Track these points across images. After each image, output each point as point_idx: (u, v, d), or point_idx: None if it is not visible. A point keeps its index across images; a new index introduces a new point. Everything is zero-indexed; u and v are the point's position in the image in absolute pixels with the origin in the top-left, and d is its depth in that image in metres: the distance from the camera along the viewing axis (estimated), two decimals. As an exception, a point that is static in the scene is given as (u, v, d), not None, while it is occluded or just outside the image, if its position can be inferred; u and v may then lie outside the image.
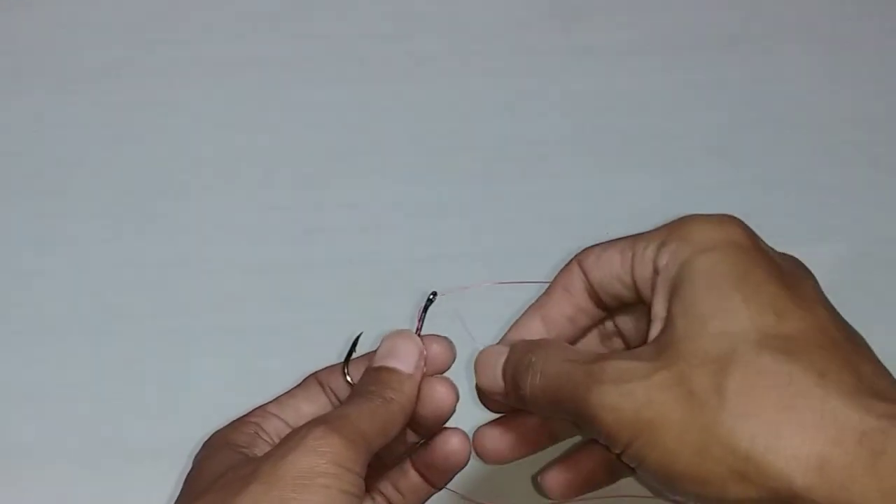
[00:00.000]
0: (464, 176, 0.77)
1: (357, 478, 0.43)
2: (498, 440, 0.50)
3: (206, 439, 0.49)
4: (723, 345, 0.42)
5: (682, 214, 0.46)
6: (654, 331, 0.45)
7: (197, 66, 0.80)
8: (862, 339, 0.45)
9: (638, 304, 0.47)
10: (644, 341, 0.46)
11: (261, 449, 0.48)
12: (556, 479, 0.50)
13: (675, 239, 0.45)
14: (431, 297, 0.52)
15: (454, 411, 0.50)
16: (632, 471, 0.45)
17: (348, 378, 0.50)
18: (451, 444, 0.50)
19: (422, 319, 0.50)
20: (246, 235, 0.75)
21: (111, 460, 0.67)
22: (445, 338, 0.50)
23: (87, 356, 0.70)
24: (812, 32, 0.84)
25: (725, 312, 0.42)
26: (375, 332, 0.69)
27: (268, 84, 0.80)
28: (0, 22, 0.82)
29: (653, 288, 0.45)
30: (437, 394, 0.49)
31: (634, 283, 0.46)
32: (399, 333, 0.50)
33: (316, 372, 0.52)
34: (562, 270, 0.49)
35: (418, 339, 0.49)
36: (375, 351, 0.50)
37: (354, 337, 0.52)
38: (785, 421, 0.40)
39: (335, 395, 0.51)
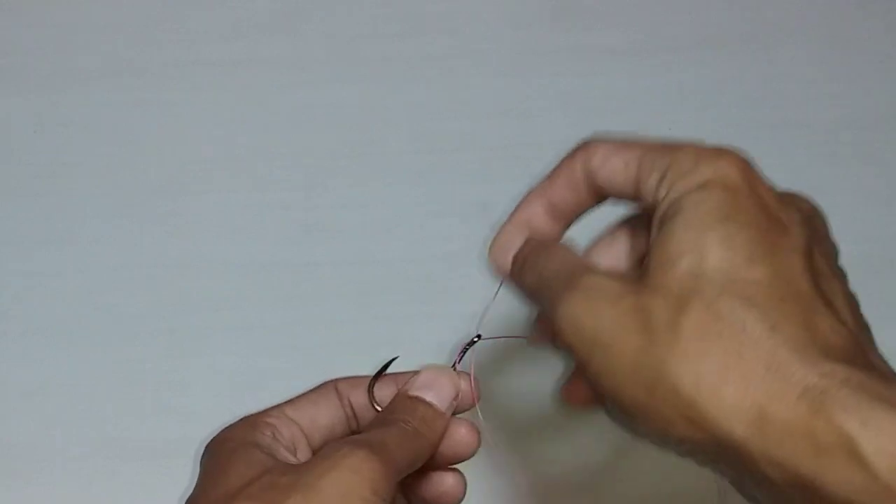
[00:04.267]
0: (464, 176, 0.77)
1: None
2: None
3: (222, 431, 0.48)
4: (688, 283, 0.42)
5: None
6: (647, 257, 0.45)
7: (197, 66, 0.80)
8: (838, 293, 0.44)
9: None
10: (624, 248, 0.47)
11: (282, 455, 0.47)
12: (572, 390, 0.50)
13: (676, 172, 0.45)
14: (476, 339, 0.52)
15: (473, 455, 0.50)
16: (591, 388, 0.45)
17: (376, 405, 0.50)
18: (446, 483, 0.50)
19: (461, 358, 0.50)
20: (246, 235, 0.75)
21: (111, 460, 0.67)
22: (469, 375, 0.50)
23: (86, 356, 0.70)
24: (812, 32, 0.84)
25: (697, 252, 0.42)
26: (374, 333, 0.69)
27: (268, 84, 0.80)
28: (0, 22, 0.82)
29: (651, 216, 0.46)
30: (461, 435, 0.49)
31: (637, 199, 0.47)
32: (439, 369, 0.50)
33: (336, 380, 0.52)
34: (566, 159, 0.49)
35: (458, 379, 0.50)
36: (401, 374, 0.51)
37: (388, 360, 0.51)
38: (731, 369, 0.40)
39: (352, 408, 0.51)
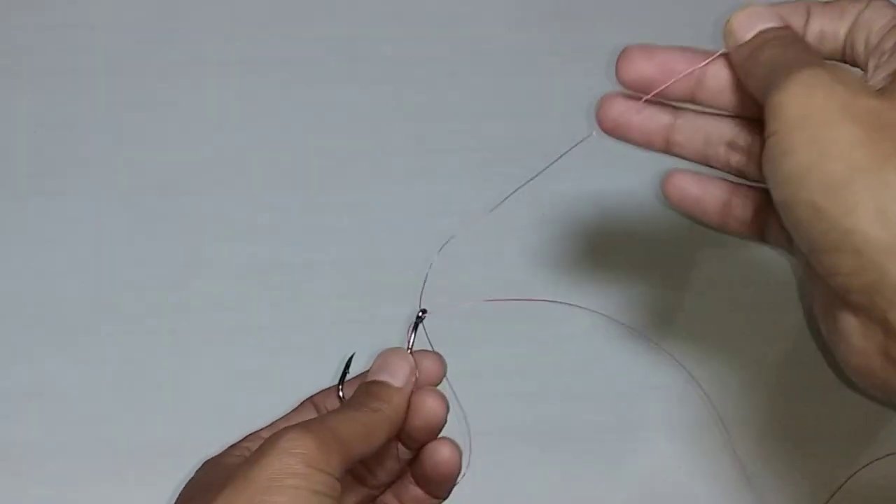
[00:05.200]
0: (464, 176, 0.77)
1: (330, 479, 0.43)
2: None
3: (198, 452, 0.49)
4: None
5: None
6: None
7: (197, 66, 0.80)
8: None
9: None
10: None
11: None
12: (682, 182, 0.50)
13: None
14: (421, 314, 0.53)
15: (445, 422, 0.51)
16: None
17: (342, 395, 0.51)
18: (441, 454, 0.51)
19: (412, 336, 0.51)
20: (246, 235, 0.75)
21: (111, 460, 0.67)
22: (436, 353, 0.51)
23: (86, 356, 0.70)
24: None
25: None
26: (374, 334, 0.69)
27: (268, 84, 0.80)
28: (0, 22, 0.81)
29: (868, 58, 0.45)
30: (428, 404, 0.50)
31: (844, 49, 0.46)
32: (391, 350, 0.51)
33: (312, 396, 0.53)
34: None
35: (409, 355, 0.51)
36: (365, 371, 0.51)
37: (347, 358, 0.52)
38: None
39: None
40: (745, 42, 0.47)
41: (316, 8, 0.83)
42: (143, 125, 0.78)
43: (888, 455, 0.67)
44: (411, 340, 0.52)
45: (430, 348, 0.53)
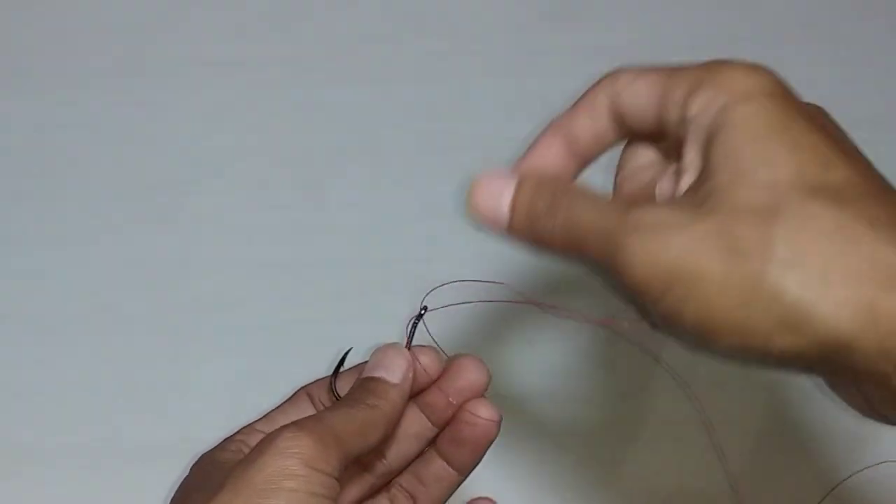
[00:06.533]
0: (464, 176, 0.77)
1: (328, 479, 0.43)
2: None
3: (197, 453, 0.49)
4: (769, 195, 0.40)
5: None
6: (688, 179, 0.43)
7: (197, 66, 0.80)
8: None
9: (659, 140, 0.46)
10: (648, 180, 0.45)
11: None
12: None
13: (710, 85, 0.43)
14: (422, 311, 0.52)
15: (487, 387, 0.50)
16: (655, 326, 0.43)
17: (336, 392, 0.50)
18: (481, 412, 0.49)
19: (412, 333, 0.51)
20: (246, 235, 0.75)
21: (111, 460, 0.67)
22: (434, 349, 0.50)
23: (86, 356, 0.70)
24: (812, 32, 0.84)
25: (770, 163, 0.41)
26: (374, 334, 0.69)
27: (268, 84, 0.80)
28: (0, 22, 0.81)
29: (683, 134, 0.43)
30: (469, 372, 0.50)
31: (661, 122, 0.45)
32: (387, 346, 0.50)
33: (306, 385, 0.52)
34: (591, 88, 0.47)
35: (406, 351, 0.50)
36: (365, 363, 0.51)
37: (343, 352, 0.52)
38: (834, 268, 0.39)
39: (325, 407, 0.51)
40: (512, 222, 0.46)
41: (316, 8, 0.83)
42: (142, 125, 0.78)
43: (881, 462, 0.67)
44: (410, 337, 0.51)
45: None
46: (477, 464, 0.50)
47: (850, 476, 0.66)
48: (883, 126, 0.80)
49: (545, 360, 0.71)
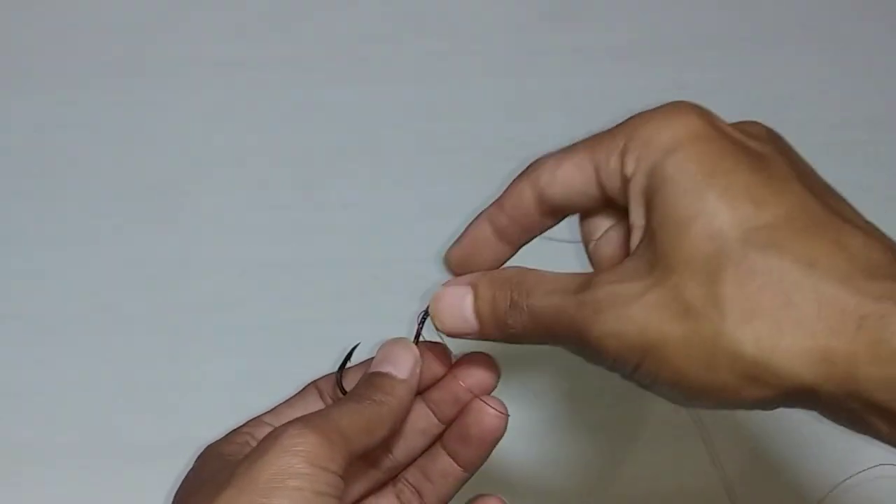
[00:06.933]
0: (464, 176, 0.77)
1: (334, 477, 0.43)
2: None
3: (198, 452, 0.49)
4: (708, 249, 0.41)
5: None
6: (635, 239, 0.44)
7: (197, 66, 0.80)
8: (842, 201, 0.44)
9: (604, 208, 0.46)
10: (620, 240, 0.46)
11: None
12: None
13: (636, 145, 0.43)
14: (429, 307, 0.52)
15: (494, 388, 0.50)
16: (643, 387, 0.44)
17: (342, 388, 0.50)
18: (488, 410, 0.49)
19: (419, 329, 0.50)
20: (246, 235, 0.75)
21: (111, 460, 0.67)
22: (442, 344, 0.50)
23: (86, 356, 0.70)
24: (812, 32, 0.84)
25: (703, 214, 0.41)
26: (375, 333, 0.69)
27: (268, 84, 0.80)
28: (0, 22, 0.82)
29: (625, 197, 0.44)
30: (480, 372, 0.50)
31: (604, 194, 0.45)
32: (395, 341, 0.50)
33: (316, 380, 0.52)
34: (510, 188, 0.47)
35: (414, 346, 0.49)
36: (368, 360, 0.51)
37: (350, 347, 0.52)
38: (784, 319, 0.40)
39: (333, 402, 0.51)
40: (482, 328, 0.47)
41: (316, 8, 0.83)
42: (142, 125, 0.78)
43: (877, 465, 0.67)
44: (418, 333, 0.51)
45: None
46: (483, 461, 0.50)
47: (846, 479, 0.66)
48: (883, 126, 0.81)
49: (545, 361, 0.71)
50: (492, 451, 0.50)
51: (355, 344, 0.52)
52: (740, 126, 0.45)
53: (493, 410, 0.49)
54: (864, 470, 0.66)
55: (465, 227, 0.49)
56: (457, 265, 0.49)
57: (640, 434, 0.69)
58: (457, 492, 0.51)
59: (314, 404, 0.50)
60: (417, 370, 0.49)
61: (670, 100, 0.46)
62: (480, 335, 0.48)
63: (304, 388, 0.52)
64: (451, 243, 0.50)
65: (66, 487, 0.67)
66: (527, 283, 0.46)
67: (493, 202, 0.48)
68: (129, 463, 0.67)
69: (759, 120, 0.43)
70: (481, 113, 0.79)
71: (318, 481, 0.42)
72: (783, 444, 0.68)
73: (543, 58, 0.81)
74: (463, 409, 0.50)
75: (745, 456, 0.67)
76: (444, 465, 0.50)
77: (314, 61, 0.81)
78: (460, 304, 0.48)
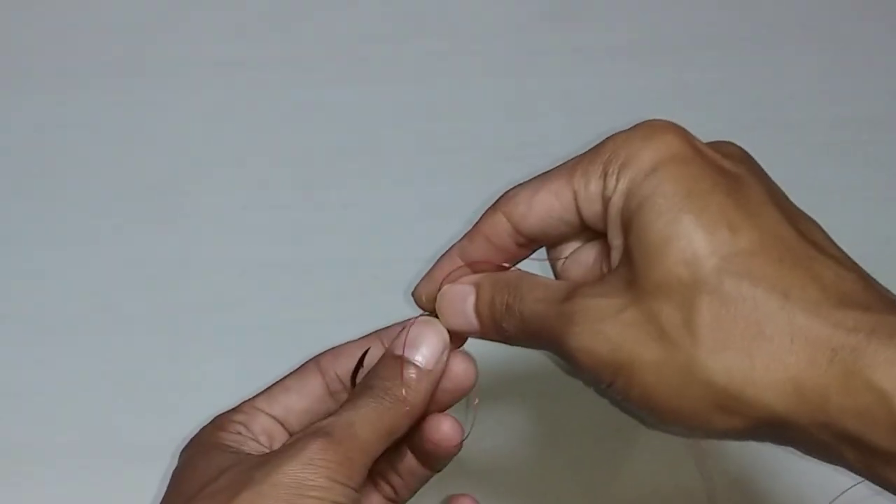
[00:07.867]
0: (464, 176, 0.77)
1: (352, 492, 0.43)
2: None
3: (192, 436, 0.49)
4: (684, 274, 0.41)
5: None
6: (615, 258, 0.44)
7: (197, 66, 0.80)
8: (813, 226, 0.44)
9: (582, 233, 0.46)
10: (589, 260, 0.46)
11: (250, 447, 0.47)
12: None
13: (617, 167, 0.43)
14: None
15: (472, 387, 0.49)
16: (618, 403, 0.44)
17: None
18: (442, 430, 0.48)
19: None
20: (246, 235, 0.75)
21: (111, 460, 0.67)
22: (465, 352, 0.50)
23: (86, 356, 0.70)
24: (812, 32, 0.84)
25: (682, 236, 0.41)
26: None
27: (268, 84, 0.80)
28: (0, 22, 0.81)
29: (604, 220, 0.44)
30: (458, 368, 0.48)
31: (582, 221, 0.45)
32: (426, 322, 0.48)
33: (317, 356, 0.51)
34: (482, 221, 0.47)
35: (444, 329, 0.48)
36: (387, 328, 0.50)
37: (363, 351, 0.51)
38: (756, 350, 0.40)
39: (340, 381, 0.50)
40: (482, 328, 0.48)
41: (316, 8, 0.83)
42: (142, 125, 0.78)
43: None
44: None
45: None
46: (446, 465, 0.50)
47: (850, 488, 0.66)
48: (883, 126, 0.81)
49: (545, 360, 0.71)
50: (450, 460, 0.50)
51: (366, 349, 0.51)
52: (716, 146, 0.45)
53: (446, 427, 0.48)
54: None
55: (434, 261, 0.49)
56: (427, 301, 0.49)
57: (639, 435, 0.69)
58: (422, 486, 0.51)
59: (312, 387, 0.50)
60: (445, 357, 0.48)
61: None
62: (481, 334, 0.48)
63: (303, 367, 0.51)
64: (421, 276, 0.49)
65: (66, 487, 0.67)
66: (522, 288, 0.46)
67: (464, 236, 0.48)
68: (129, 463, 0.67)
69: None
70: (481, 113, 0.79)
71: (337, 493, 0.43)
72: (782, 453, 0.68)
73: (543, 58, 0.81)
74: (420, 424, 0.49)
75: (746, 456, 0.67)
76: (411, 464, 0.50)
77: (314, 61, 0.81)
78: (463, 303, 0.48)
